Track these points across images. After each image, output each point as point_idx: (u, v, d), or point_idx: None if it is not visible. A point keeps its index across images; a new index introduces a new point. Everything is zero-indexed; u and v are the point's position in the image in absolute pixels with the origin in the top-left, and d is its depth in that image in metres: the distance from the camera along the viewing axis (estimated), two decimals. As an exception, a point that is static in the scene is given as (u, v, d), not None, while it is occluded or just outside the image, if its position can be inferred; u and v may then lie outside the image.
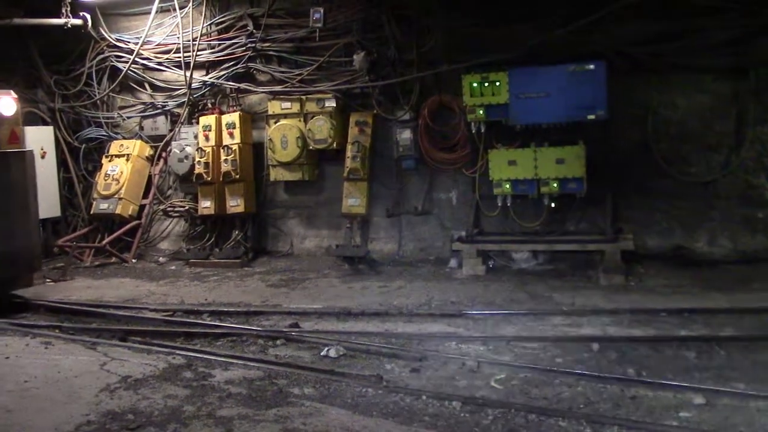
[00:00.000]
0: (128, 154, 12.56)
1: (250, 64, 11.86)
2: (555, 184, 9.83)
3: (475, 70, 10.21)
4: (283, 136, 11.46)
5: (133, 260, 12.41)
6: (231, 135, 11.86)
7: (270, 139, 11.61)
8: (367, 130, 11.21)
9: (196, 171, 11.90)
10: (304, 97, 11.46)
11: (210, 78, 12.15)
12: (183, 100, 12.36)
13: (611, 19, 9.74)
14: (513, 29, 10.16)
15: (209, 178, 11.84)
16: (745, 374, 5.92)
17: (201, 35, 12.00)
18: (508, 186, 10.09)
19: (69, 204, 13.31)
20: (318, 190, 11.98)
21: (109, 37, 12.74)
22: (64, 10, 12.29)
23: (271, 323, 8.18)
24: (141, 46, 12.37)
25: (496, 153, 10.13)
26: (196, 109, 12.48)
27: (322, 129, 11.24)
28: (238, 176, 11.76)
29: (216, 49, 12.08)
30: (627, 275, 9.35)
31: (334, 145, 11.30)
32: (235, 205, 11.88)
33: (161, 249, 12.84)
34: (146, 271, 11.70)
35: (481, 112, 10.11)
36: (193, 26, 12.08)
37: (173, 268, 11.85)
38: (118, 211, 12.36)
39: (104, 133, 13.09)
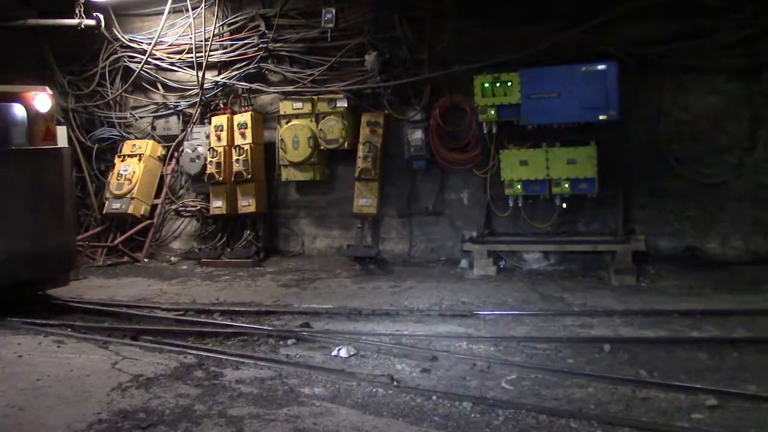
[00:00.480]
0: (140, 154, 12.62)
1: (262, 65, 11.89)
2: (566, 185, 9.81)
3: (486, 70, 10.21)
4: (294, 136, 11.48)
5: (145, 260, 12.47)
6: (243, 135, 11.90)
7: (281, 139, 11.63)
8: (378, 130, 11.21)
9: (208, 171, 11.94)
10: (315, 97, 11.48)
11: (222, 78, 12.19)
12: (195, 100, 12.40)
13: (623, 20, 9.73)
14: (524, 30, 10.15)
15: (221, 178, 11.88)
16: (758, 376, 5.88)
17: (213, 36, 12.03)
18: (519, 186, 10.08)
19: (81, 204, 13.37)
20: (329, 190, 12.00)
21: (122, 37, 12.80)
22: (77, 11, 12.36)
23: (282, 323, 8.19)
24: (154, 46, 12.43)
25: (508, 153, 10.12)
26: (208, 109, 12.52)
27: (333, 129, 11.26)
28: (249, 176, 11.79)
29: (228, 49, 12.12)
30: (638, 276, 9.32)
31: (346, 145, 11.31)
32: (247, 204, 11.91)
33: (173, 248, 12.89)
34: (158, 271, 11.75)
35: (492, 112, 10.11)
36: (205, 27, 12.13)
37: (185, 267, 11.90)
38: (130, 211, 12.42)
39: (117, 133, 13.15)
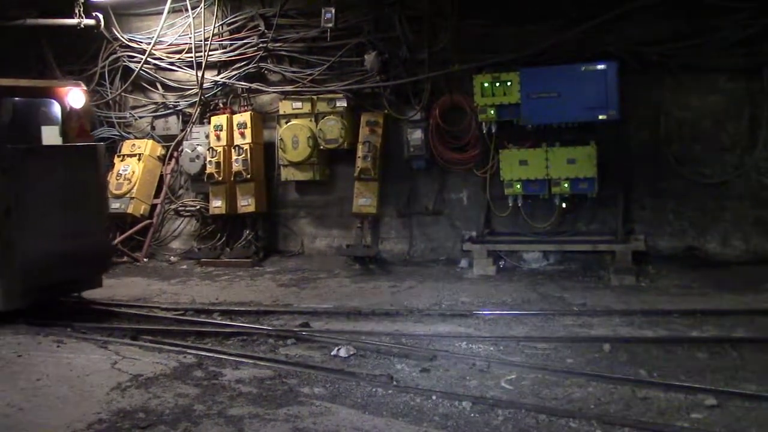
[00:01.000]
0: (140, 154, 12.61)
1: (262, 64, 11.89)
2: (566, 185, 9.81)
3: (486, 70, 10.21)
4: (294, 136, 11.48)
5: (145, 259, 12.46)
6: (242, 135, 11.89)
7: (281, 139, 11.63)
8: (378, 130, 11.21)
9: (208, 170, 11.93)
10: (315, 97, 11.47)
11: (221, 78, 12.18)
12: (194, 100, 12.40)
13: (623, 20, 9.73)
14: (524, 29, 10.15)
15: (220, 178, 11.87)
16: (757, 376, 5.88)
17: (213, 35, 12.02)
18: (519, 186, 10.08)
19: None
20: (329, 189, 11.99)
21: (122, 37, 12.79)
22: (77, 11, 12.35)
23: (281, 323, 8.19)
24: (153, 46, 12.42)
25: (508, 153, 10.12)
26: (207, 109, 12.52)
27: (333, 129, 11.25)
28: (249, 176, 11.79)
29: (227, 49, 12.11)
30: (638, 276, 9.33)
31: (345, 145, 11.31)
32: (246, 204, 11.90)
33: (172, 248, 12.88)
34: (157, 270, 11.75)
35: (492, 112, 10.11)
36: (204, 26, 12.12)
37: (184, 267, 11.89)
38: (129, 211, 12.41)
39: (116, 133, 13.14)
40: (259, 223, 12.15)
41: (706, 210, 9.96)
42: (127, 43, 12.80)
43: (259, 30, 11.81)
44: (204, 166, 12.06)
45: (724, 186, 9.87)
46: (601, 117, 9.54)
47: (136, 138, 13.03)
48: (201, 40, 12.10)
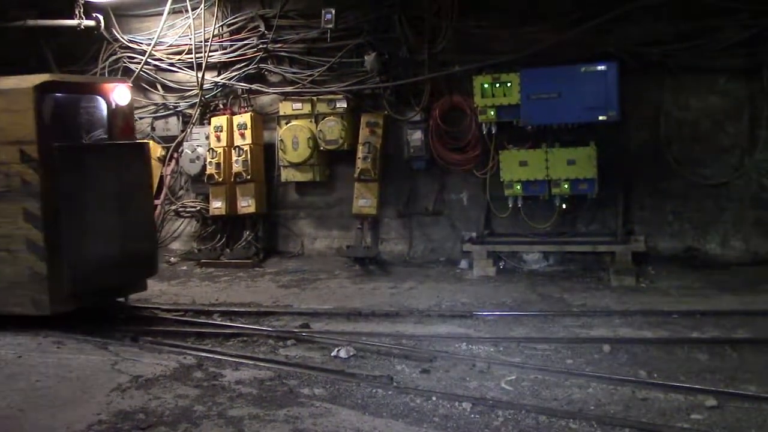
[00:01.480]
0: (140, 155, 12.58)
1: (262, 65, 11.88)
2: (566, 185, 9.81)
3: (486, 70, 10.21)
4: (294, 137, 11.48)
5: (145, 260, 12.44)
6: (242, 136, 11.89)
7: (281, 140, 11.62)
8: (378, 130, 11.20)
9: (208, 171, 11.92)
10: (315, 98, 11.47)
11: (221, 79, 12.18)
12: (195, 100, 12.38)
13: (623, 20, 9.72)
14: (524, 30, 10.14)
15: (220, 179, 11.87)
16: (757, 377, 5.89)
17: (213, 36, 12.01)
18: (519, 187, 10.07)
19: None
20: (329, 190, 11.99)
21: (122, 38, 12.78)
22: (77, 12, 12.33)
23: (281, 324, 8.19)
24: (153, 47, 12.41)
25: (507, 154, 10.12)
26: (207, 110, 12.51)
27: (333, 130, 11.25)
28: (249, 177, 11.78)
29: (228, 50, 12.11)
30: (638, 277, 9.33)
31: (345, 145, 11.30)
32: (246, 205, 11.90)
33: (172, 249, 12.87)
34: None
35: (492, 112, 10.11)
36: (204, 27, 12.10)
37: (184, 268, 11.89)
38: (130, 211, 12.38)
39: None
40: (259, 224, 12.15)
41: (706, 211, 9.96)
42: (127, 44, 12.78)
43: (259, 31, 11.80)
44: (204, 167, 12.05)
45: (724, 187, 9.87)
46: (601, 118, 9.53)
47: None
48: (201, 41, 12.08)
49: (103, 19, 12.61)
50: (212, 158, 11.86)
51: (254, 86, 11.99)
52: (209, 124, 12.24)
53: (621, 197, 10.08)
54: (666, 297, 8.56)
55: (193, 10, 12.13)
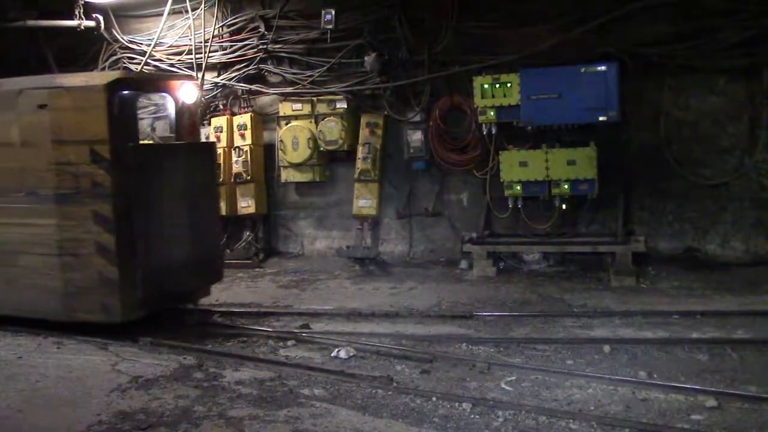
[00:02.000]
0: (140, 155, 12.57)
1: (262, 66, 11.88)
2: (566, 186, 9.80)
3: (486, 71, 10.21)
4: (294, 138, 11.47)
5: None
6: (242, 136, 11.89)
7: (281, 141, 11.62)
8: (378, 131, 11.21)
9: (208, 172, 11.91)
10: (315, 98, 11.47)
11: (221, 79, 12.17)
12: (195, 101, 12.37)
13: (623, 21, 9.72)
14: (524, 30, 10.14)
15: (220, 179, 11.85)
16: (758, 377, 5.89)
17: (213, 37, 12.01)
18: (519, 187, 10.06)
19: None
20: (329, 191, 11.99)
21: (122, 38, 12.77)
22: (77, 12, 12.33)
23: (281, 324, 8.19)
24: (153, 47, 12.40)
25: (508, 154, 10.11)
26: (207, 111, 12.49)
27: (333, 130, 11.25)
28: (249, 177, 11.78)
29: (227, 50, 12.10)
30: (638, 277, 9.33)
31: (345, 146, 11.30)
32: (246, 206, 11.90)
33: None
34: (158, 272, 11.73)
35: (492, 113, 10.09)
36: (204, 28, 12.09)
37: (184, 268, 11.87)
38: (130, 212, 12.35)
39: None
40: (259, 224, 12.15)
41: (706, 211, 9.96)
42: (127, 44, 12.78)
43: (259, 31, 11.80)
44: (204, 168, 12.04)
45: (724, 187, 9.86)
46: (601, 118, 9.51)
47: (136, 139, 13.01)
48: (201, 42, 12.08)
49: (103, 19, 12.61)
50: (212, 159, 11.85)
51: (254, 87, 11.98)
52: (209, 124, 12.24)
53: (621, 198, 10.08)
54: (666, 297, 8.56)
55: (193, 10, 12.11)
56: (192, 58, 12.16)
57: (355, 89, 11.29)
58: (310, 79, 11.50)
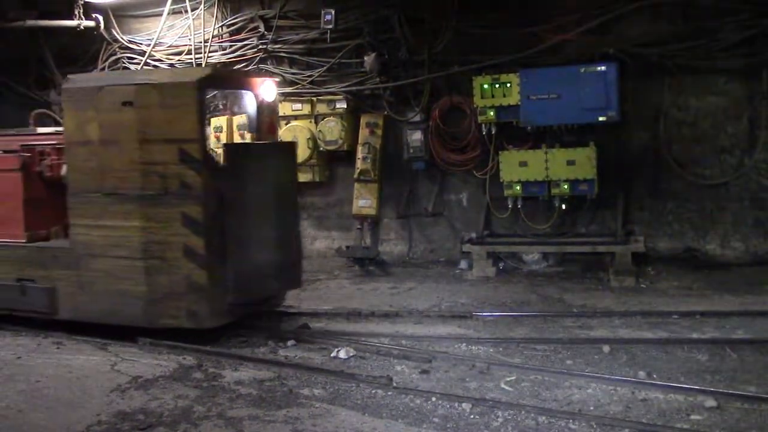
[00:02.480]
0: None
1: (261, 66, 11.86)
2: (566, 186, 9.80)
3: (486, 71, 10.21)
4: (293, 138, 11.44)
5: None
6: (242, 137, 11.87)
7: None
8: (377, 131, 11.21)
9: (207, 172, 11.90)
10: (314, 98, 11.46)
11: (221, 79, 12.17)
12: (194, 101, 12.36)
13: (623, 21, 9.73)
14: (524, 30, 10.14)
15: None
16: (757, 377, 5.88)
17: (212, 37, 12.02)
18: (518, 187, 10.07)
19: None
20: (328, 191, 11.98)
21: (122, 38, 12.77)
22: (76, 12, 12.34)
23: (281, 324, 8.18)
24: (153, 47, 12.41)
25: (507, 154, 10.11)
26: (207, 111, 12.48)
27: (332, 130, 11.25)
28: (248, 177, 11.76)
29: (227, 50, 12.10)
30: (638, 277, 9.33)
31: (345, 146, 11.30)
32: (247, 206, 11.86)
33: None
34: (157, 272, 11.72)
35: (491, 113, 10.10)
36: (204, 28, 12.10)
37: (184, 268, 11.86)
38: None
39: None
40: (258, 224, 12.13)
41: (705, 211, 9.96)
42: (126, 44, 12.78)
43: (259, 31, 11.79)
44: (204, 168, 12.03)
45: (724, 187, 9.87)
46: (600, 118, 9.52)
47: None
48: (201, 42, 12.09)
49: (103, 19, 12.61)
50: (212, 159, 11.84)
51: (254, 87, 11.97)
52: (209, 124, 12.22)
53: (621, 198, 10.08)
54: (665, 297, 8.57)
55: (192, 10, 12.12)
56: (192, 58, 12.17)
57: (354, 89, 11.29)
58: (310, 79, 11.50)
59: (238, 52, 11.99)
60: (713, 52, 9.59)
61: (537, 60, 9.98)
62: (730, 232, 9.88)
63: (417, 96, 11.01)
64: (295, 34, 11.66)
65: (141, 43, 12.67)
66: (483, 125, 10.25)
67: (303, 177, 11.66)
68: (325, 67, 11.38)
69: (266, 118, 8.12)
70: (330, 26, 10.97)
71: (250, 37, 11.91)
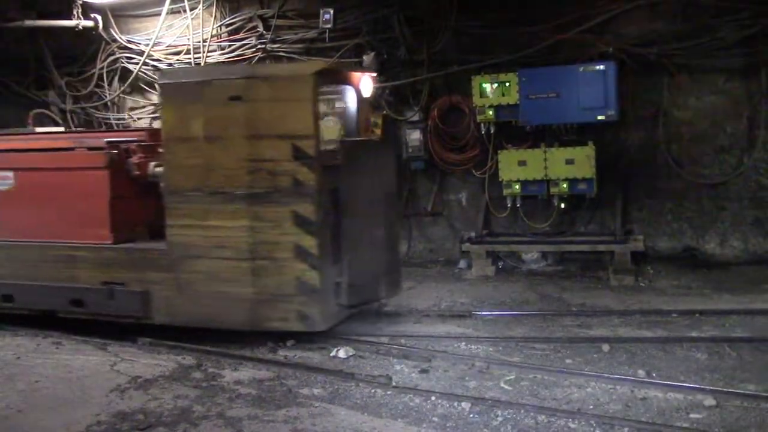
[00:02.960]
0: (140, 155, 12.52)
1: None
2: (565, 185, 9.79)
3: (485, 70, 10.21)
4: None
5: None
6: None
7: (280, 140, 11.58)
8: (376, 131, 11.18)
9: (207, 172, 11.88)
10: (313, 98, 11.44)
11: (220, 79, 12.16)
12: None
13: (622, 20, 9.73)
14: (523, 30, 10.14)
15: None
16: (756, 376, 5.89)
17: (211, 36, 12.01)
18: (517, 187, 10.06)
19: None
20: (328, 190, 11.96)
21: (120, 38, 12.77)
22: (75, 12, 12.33)
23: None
24: (152, 47, 12.40)
25: (506, 154, 10.11)
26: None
27: (332, 130, 11.21)
28: (248, 177, 11.73)
29: (226, 50, 12.09)
30: (637, 276, 9.34)
31: (344, 146, 11.28)
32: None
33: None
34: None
35: (490, 112, 10.10)
36: (203, 28, 12.10)
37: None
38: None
39: (115, 134, 13.11)
40: (258, 224, 12.11)
41: (704, 210, 9.97)
42: (125, 44, 12.78)
43: (258, 31, 11.79)
44: (203, 168, 12.01)
45: (723, 186, 9.86)
46: (599, 118, 9.52)
47: (134, 139, 12.99)
48: (199, 42, 12.09)
49: (102, 19, 12.60)
50: (211, 158, 11.81)
51: (253, 86, 11.96)
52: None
53: (620, 197, 10.08)
54: (665, 296, 8.57)
55: (191, 10, 12.12)
56: (191, 58, 12.17)
57: (353, 89, 11.27)
58: (309, 78, 11.47)
59: (237, 52, 11.98)
60: (712, 51, 9.59)
61: (536, 59, 9.98)
62: (729, 231, 9.88)
63: (416, 95, 11.00)
64: (294, 33, 11.65)
65: (140, 43, 12.66)
66: (482, 125, 10.25)
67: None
68: (324, 67, 11.37)
69: (364, 115, 7.94)
70: (329, 26, 10.97)
71: (249, 37, 11.90)
